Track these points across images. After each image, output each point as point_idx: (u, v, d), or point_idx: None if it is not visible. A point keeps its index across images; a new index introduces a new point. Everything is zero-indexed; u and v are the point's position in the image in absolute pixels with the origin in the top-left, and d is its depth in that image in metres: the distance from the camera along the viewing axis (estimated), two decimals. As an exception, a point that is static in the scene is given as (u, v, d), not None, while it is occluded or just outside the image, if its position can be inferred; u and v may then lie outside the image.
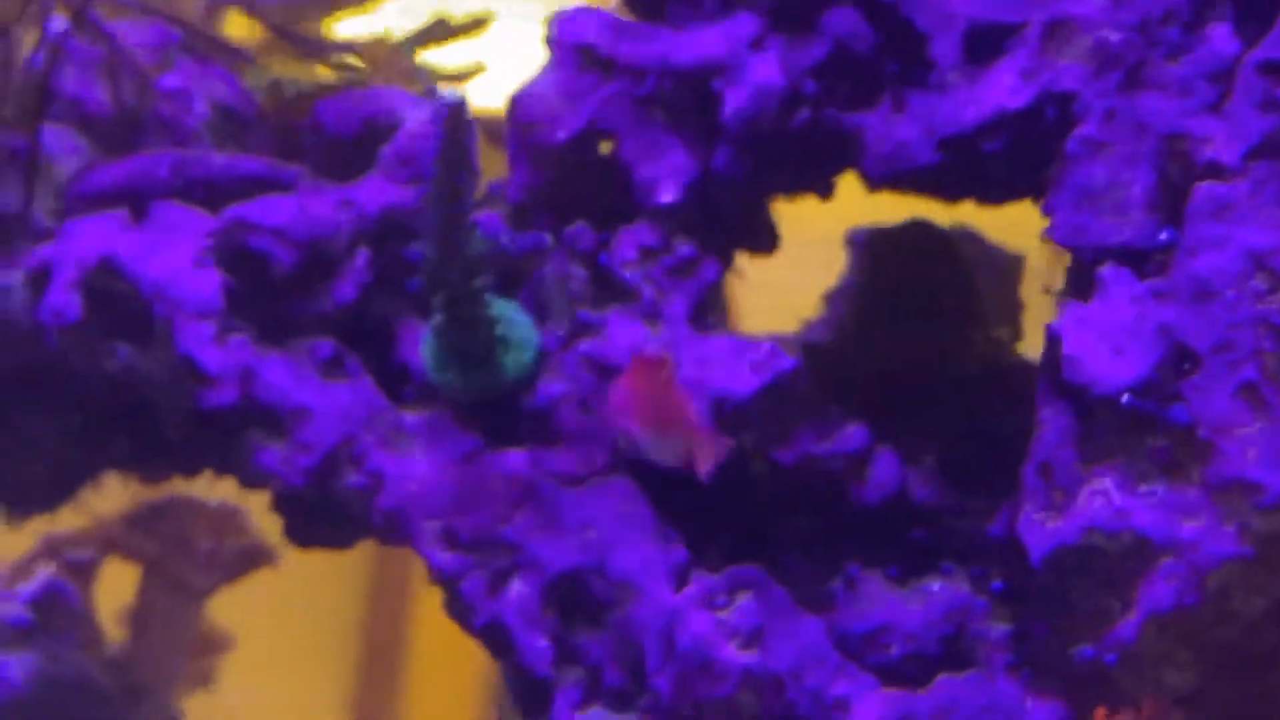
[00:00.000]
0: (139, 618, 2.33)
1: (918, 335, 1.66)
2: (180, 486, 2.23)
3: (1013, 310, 1.78)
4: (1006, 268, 1.81)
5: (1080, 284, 1.33)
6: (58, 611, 2.19)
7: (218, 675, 2.40)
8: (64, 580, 2.22)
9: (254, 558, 2.36)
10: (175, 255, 1.51)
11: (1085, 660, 1.24)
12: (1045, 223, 1.40)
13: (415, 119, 1.71)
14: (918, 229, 1.72)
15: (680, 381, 1.42)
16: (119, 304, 1.53)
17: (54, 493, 1.89)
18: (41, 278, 1.55)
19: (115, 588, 2.33)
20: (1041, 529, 1.27)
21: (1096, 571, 1.24)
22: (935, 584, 1.53)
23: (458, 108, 1.42)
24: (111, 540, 2.30)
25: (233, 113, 1.80)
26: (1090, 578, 1.24)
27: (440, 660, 2.99)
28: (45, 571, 2.22)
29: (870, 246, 1.74)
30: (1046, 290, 1.57)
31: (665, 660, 1.40)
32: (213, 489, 2.30)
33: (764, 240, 1.66)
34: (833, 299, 2.00)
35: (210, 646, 2.43)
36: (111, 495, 2.20)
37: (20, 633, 2.13)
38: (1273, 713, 1.26)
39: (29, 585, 2.18)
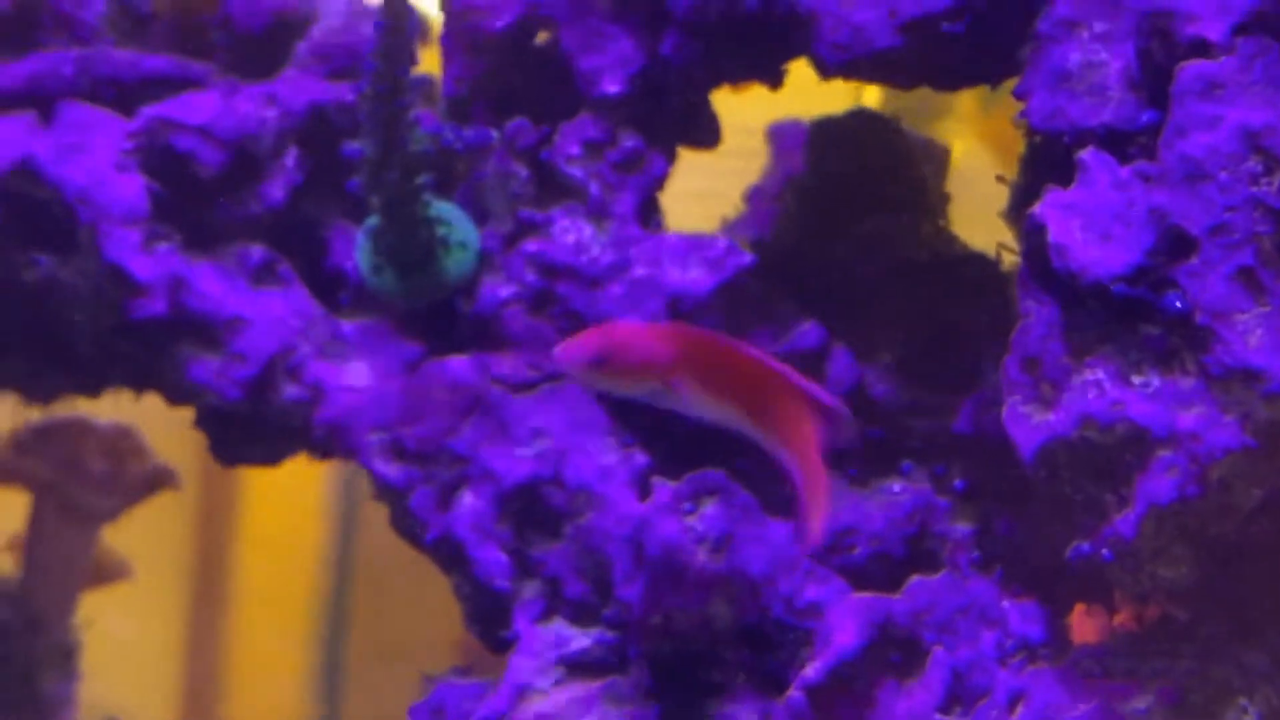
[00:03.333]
0: (31, 545, 2.23)
1: (866, 227, 1.61)
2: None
3: (942, 202, 1.74)
4: (937, 157, 1.77)
5: (1058, 169, 1.28)
6: (-54, 541, 2.09)
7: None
8: (-49, 508, 2.12)
9: (155, 480, 2.27)
10: (96, 158, 1.42)
11: (1080, 557, 1.21)
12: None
13: (332, 11, 1.62)
14: (860, 118, 1.67)
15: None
16: (38, 211, 1.43)
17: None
18: (-53, 184, 1.45)
19: (4, 515, 2.23)
20: (1031, 423, 1.23)
21: (1090, 464, 1.20)
22: (896, 484, 1.49)
23: (398, -1, 1.34)
24: (-1, 465, 2.20)
25: (130, 8, 1.69)
26: (1084, 471, 1.21)
27: (268, 583, 2.95)
28: (-69, 500, 2.12)
29: (810, 136, 1.69)
30: (1001, 180, 1.53)
31: (634, 570, 1.35)
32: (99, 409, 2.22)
33: (707, 134, 1.60)
34: (756, 195, 1.96)
35: (106, 574, 2.34)
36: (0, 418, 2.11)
37: (-92, 564, 2.04)
38: (1264, 606, 1.24)
39: (-84, 515, 2.08)
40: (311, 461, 2.27)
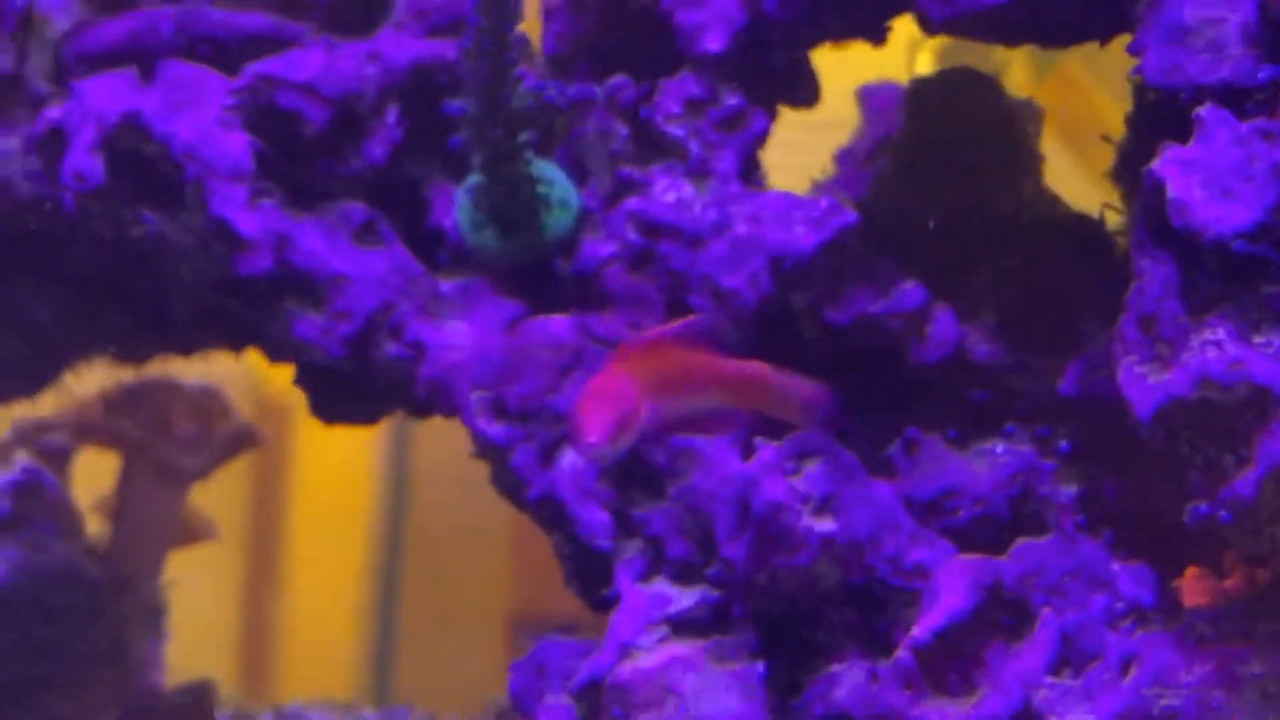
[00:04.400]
0: (121, 505, 2.24)
1: (967, 186, 1.60)
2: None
3: (1038, 162, 1.72)
4: (1035, 118, 1.75)
5: (1173, 127, 1.26)
6: (38, 500, 2.10)
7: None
8: (42, 468, 2.14)
9: (241, 440, 2.28)
10: (202, 114, 1.42)
11: (1198, 518, 1.19)
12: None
13: (429, -31, 1.61)
14: (960, 77, 1.65)
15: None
16: (144, 167, 1.43)
17: (38, 374, 1.79)
18: (53, 141, 1.45)
19: (94, 475, 2.25)
20: (1147, 383, 1.21)
21: (1209, 424, 1.19)
22: (999, 446, 1.47)
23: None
24: (89, 425, 2.21)
25: (226, -33, 1.69)
26: (1202, 431, 1.19)
27: (321, 552, 2.97)
28: (24, 459, 2.13)
29: (908, 96, 1.67)
30: (1106, 139, 1.51)
31: (738, 530, 1.34)
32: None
33: (806, 92, 1.58)
34: (846, 157, 1.94)
35: (194, 533, 2.35)
36: (90, 379, 2.12)
37: (1, 522, 2.05)
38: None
39: (8, 473, 2.09)
40: (364, 431, 2.27)
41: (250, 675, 2.92)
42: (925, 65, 2.11)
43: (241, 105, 1.44)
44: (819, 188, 1.91)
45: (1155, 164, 1.23)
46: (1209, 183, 1.20)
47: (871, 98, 1.94)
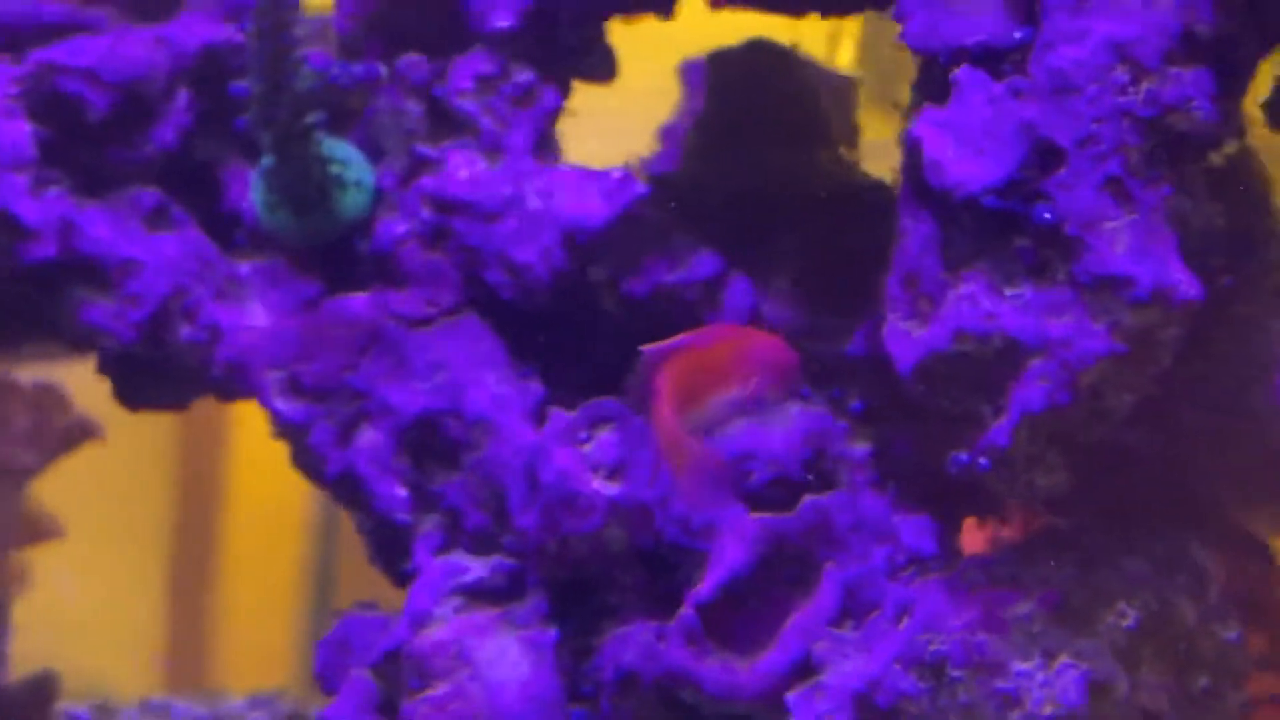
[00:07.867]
0: (-42, 504, 2.23)
1: (764, 158, 1.62)
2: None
3: (850, 133, 1.75)
4: (842, 90, 1.78)
5: (935, 89, 1.29)
6: None
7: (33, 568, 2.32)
8: (-127, 470, 2.12)
9: (77, 434, 2.27)
10: (-19, 103, 1.42)
11: (959, 467, 1.23)
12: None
13: (228, -47, 1.62)
14: (757, 49, 1.68)
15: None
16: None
17: None
18: None
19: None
20: (909, 338, 1.24)
21: (967, 377, 1.22)
22: (794, 408, 1.50)
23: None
24: (-78, 425, 2.20)
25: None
26: (961, 384, 1.22)
27: (254, 552, 2.96)
28: None
29: (710, 70, 1.69)
30: (895, 106, 1.54)
31: (529, 498, 1.36)
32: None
33: (602, 68, 1.60)
34: (668, 133, 1.96)
35: (37, 532, 2.34)
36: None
37: None
38: (1144, 514, 1.26)
39: None
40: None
41: (181, 676, 2.90)
42: (847, 57, 2.13)
43: (24, 93, 1.44)
44: (641, 163, 1.93)
45: (913, 125, 1.26)
46: (962, 141, 1.23)
47: (689, 73, 1.96)
